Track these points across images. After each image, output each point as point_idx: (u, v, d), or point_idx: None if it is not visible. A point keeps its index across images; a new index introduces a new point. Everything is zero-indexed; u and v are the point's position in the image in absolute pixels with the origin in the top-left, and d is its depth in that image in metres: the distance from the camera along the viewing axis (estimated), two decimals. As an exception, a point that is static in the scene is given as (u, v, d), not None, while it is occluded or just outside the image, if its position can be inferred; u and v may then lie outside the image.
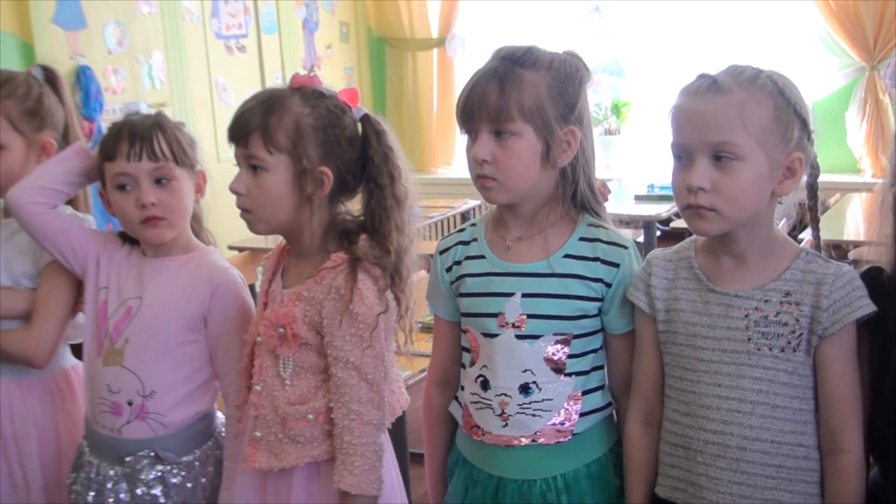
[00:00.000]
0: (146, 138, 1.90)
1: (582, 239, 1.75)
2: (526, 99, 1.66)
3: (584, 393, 1.76)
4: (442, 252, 1.85)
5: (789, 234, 1.73)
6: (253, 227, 1.81)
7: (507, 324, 1.73)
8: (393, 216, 1.78)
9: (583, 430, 1.76)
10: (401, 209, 1.80)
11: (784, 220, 1.67)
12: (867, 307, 1.55)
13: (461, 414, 1.83)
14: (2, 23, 4.84)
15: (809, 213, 1.76)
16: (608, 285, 1.73)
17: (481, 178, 1.70)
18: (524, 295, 1.73)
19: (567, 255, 1.74)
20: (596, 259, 1.73)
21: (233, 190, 1.78)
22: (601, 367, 1.80)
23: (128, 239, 2.03)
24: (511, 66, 1.68)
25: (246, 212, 1.78)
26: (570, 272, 1.73)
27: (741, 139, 1.52)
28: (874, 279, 1.60)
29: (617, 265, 1.73)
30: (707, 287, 1.64)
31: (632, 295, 1.73)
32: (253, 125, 1.73)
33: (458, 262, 1.82)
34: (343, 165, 1.78)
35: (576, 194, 1.76)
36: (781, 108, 1.54)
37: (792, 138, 1.56)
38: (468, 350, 1.82)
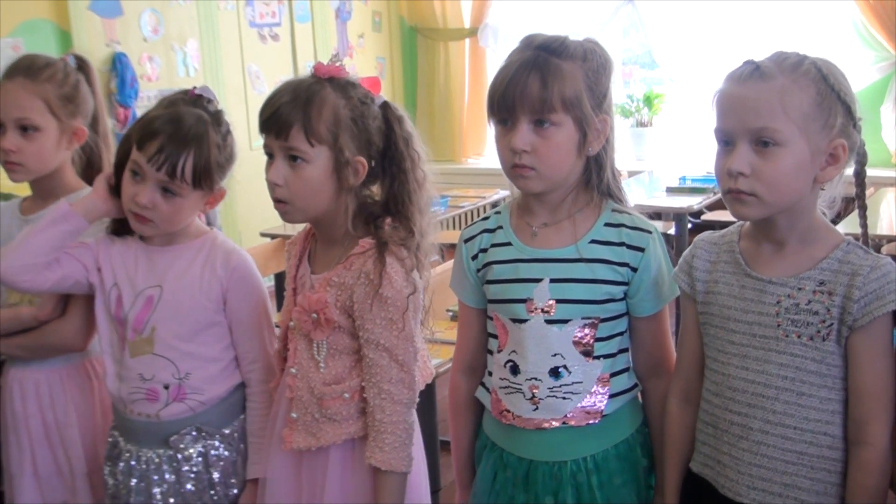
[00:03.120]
0: (174, 155, 1.87)
1: (607, 224, 1.77)
2: (568, 90, 1.67)
3: (612, 375, 1.78)
4: (467, 240, 1.87)
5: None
6: (289, 218, 1.83)
7: (536, 309, 1.75)
8: (416, 199, 1.83)
9: (612, 411, 1.78)
10: (422, 192, 1.84)
11: (827, 211, 1.66)
12: None
13: (490, 399, 1.85)
14: (39, 9, 4.91)
15: (857, 202, 1.74)
16: (634, 269, 1.75)
17: (518, 168, 1.71)
18: (552, 280, 1.74)
19: (593, 241, 1.76)
20: (622, 244, 1.75)
21: (271, 181, 1.78)
22: (626, 350, 1.83)
23: (118, 230, 2.04)
24: (548, 56, 1.69)
25: (282, 203, 1.79)
26: (597, 257, 1.74)
27: (782, 125, 1.52)
28: None
29: (642, 249, 1.75)
30: (744, 272, 1.65)
31: (676, 276, 1.76)
32: (294, 118, 1.74)
33: (483, 250, 1.84)
34: (375, 153, 1.82)
35: (601, 181, 1.78)
36: (824, 94, 1.54)
37: (835, 125, 1.55)
38: (494, 336, 1.83)
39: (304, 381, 1.85)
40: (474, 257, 1.85)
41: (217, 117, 1.97)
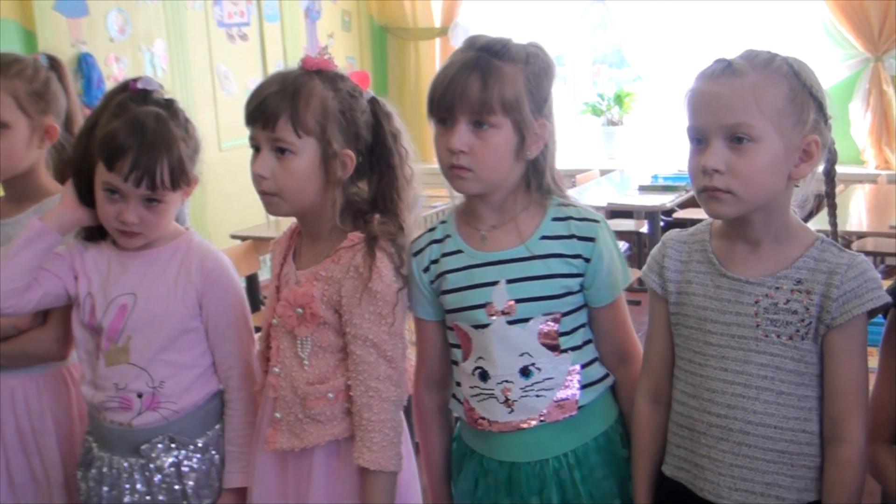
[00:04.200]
0: (150, 167, 1.81)
1: (555, 219, 1.77)
2: (507, 93, 1.67)
3: (583, 367, 1.78)
4: (416, 254, 1.84)
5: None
6: (274, 210, 1.80)
7: (496, 312, 1.74)
8: (404, 195, 1.82)
9: (587, 402, 1.78)
10: (410, 189, 1.84)
11: (798, 210, 1.66)
12: (878, 299, 1.54)
13: (462, 410, 1.84)
14: (3, 9, 4.84)
15: (827, 200, 1.75)
16: (587, 260, 1.75)
17: (456, 169, 1.71)
18: (509, 281, 1.74)
19: (544, 237, 1.76)
20: (571, 236, 1.75)
21: (257, 173, 1.76)
22: (591, 341, 1.83)
23: (90, 236, 1.99)
24: (490, 58, 1.68)
25: (269, 195, 1.77)
26: (550, 252, 1.74)
27: (756, 120, 1.52)
28: None
29: (593, 239, 1.75)
30: (719, 272, 1.65)
31: (645, 276, 1.76)
32: (281, 109, 1.72)
33: (434, 261, 1.82)
34: (363, 147, 1.81)
35: (540, 185, 1.78)
36: (797, 90, 1.54)
37: (808, 121, 1.55)
38: (457, 346, 1.82)
39: (287, 381, 1.82)
40: (426, 269, 1.83)
41: (171, 109, 1.91)
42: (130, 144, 1.82)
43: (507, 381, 1.75)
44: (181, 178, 1.87)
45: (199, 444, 1.96)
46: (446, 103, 1.69)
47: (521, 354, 1.74)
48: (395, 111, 1.86)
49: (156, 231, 1.91)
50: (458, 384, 1.84)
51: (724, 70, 1.55)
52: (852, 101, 6.13)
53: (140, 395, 1.92)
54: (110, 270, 1.95)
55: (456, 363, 1.84)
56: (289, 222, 1.97)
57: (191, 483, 1.95)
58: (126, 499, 1.94)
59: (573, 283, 1.75)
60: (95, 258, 1.97)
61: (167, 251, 1.96)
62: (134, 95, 1.90)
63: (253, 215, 4.60)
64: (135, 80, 1.92)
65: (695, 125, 1.59)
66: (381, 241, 1.77)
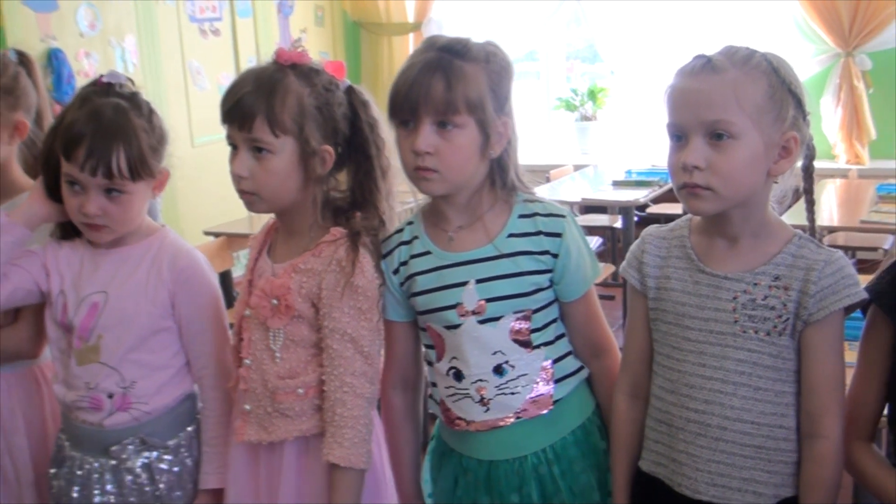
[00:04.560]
0: (105, 154, 1.79)
1: (521, 216, 1.77)
2: (471, 92, 1.67)
3: (555, 361, 1.79)
4: (385, 255, 1.84)
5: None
6: (254, 208, 1.80)
7: (467, 312, 1.74)
8: (381, 186, 1.81)
9: (562, 396, 1.79)
10: (386, 180, 1.82)
11: (777, 206, 1.67)
12: (855, 295, 1.55)
13: (439, 411, 1.84)
14: (-29, 4, 4.77)
15: (805, 196, 1.75)
16: (555, 256, 1.75)
17: (421, 170, 1.70)
18: (478, 281, 1.74)
19: (511, 235, 1.76)
20: (538, 233, 1.75)
21: (236, 173, 1.75)
22: (564, 335, 1.83)
23: (65, 233, 1.97)
24: (451, 58, 1.68)
25: (248, 194, 1.76)
26: (518, 250, 1.75)
27: (736, 117, 1.52)
28: None
29: (559, 234, 1.75)
30: (697, 267, 1.65)
31: (624, 271, 1.76)
32: (257, 109, 1.70)
33: (404, 263, 1.82)
34: (341, 141, 1.79)
35: (505, 183, 1.78)
36: (776, 86, 1.55)
37: (787, 117, 1.56)
38: (431, 347, 1.82)
39: (258, 373, 1.81)
40: (395, 271, 1.82)
41: (134, 100, 1.89)
42: (85, 133, 1.80)
43: (481, 381, 1.75)
44: (141, 168, 1.84)
45: (171, 446, 1.94)
46: (410, 104, 1.68)
47: (494, 353, 1.75)
48: (372, 100, 1.84)
49: (122, 224, 1.88)
50: (434, 385, 1.84)
51: (704, 66, 1.55)
52: (823, 95, 6.17)
53: (111, 396, 1.90)
54: (83, 268, 1.93)
55: (431, 364, 1.84)
56: (265, 218, 1.95)
57: (162, 485, 1.93)
58: (96, 499, 1.92)
59: (543, 280, 1.75)
60: (69, 256, 1.95)
61: (139, 249, 1.93)
62: (99, 89, 1.89)
63: (226, 211, 4.58)
64: (102, 76, 1.90)
65: (674, 122, 1.59)
66: (363, 236, 1.77)
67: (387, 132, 1.82)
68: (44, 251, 1.96)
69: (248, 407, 1.83)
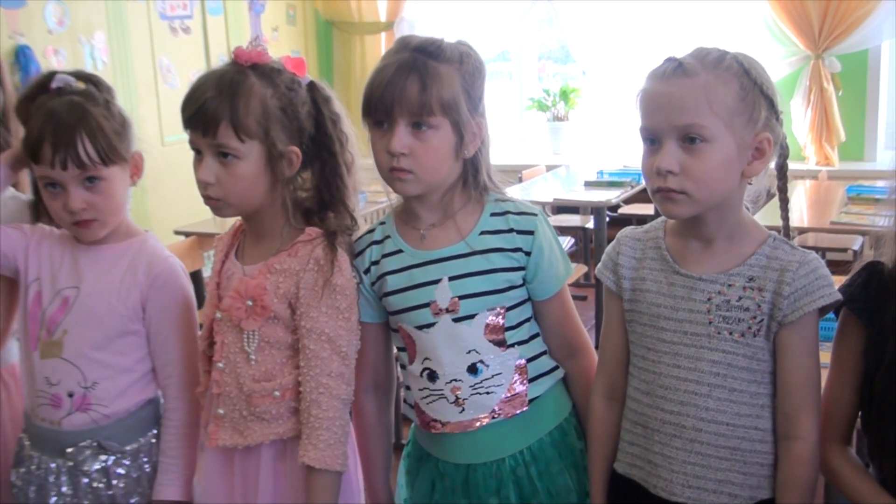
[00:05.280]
0: (70, 144, 1.79)
1: (493, 214, 1.78)
2: (446, 93, 1.67)
3: (529, 360, 1.79)
4: (356, 255, 1.83)
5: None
6: (221, 213, 1.77)
7: (441, 310, 1.73)
8: (348, 182, 1.81)
9: (537, 395, 1.79)
10: (351, 175, 1.81)
11: (750, 206, 1.67)
12: (829, 297, 1.55)
13: (414, 414, 1.83)
14: (-64, 0, 4.71)
15: (779, 195, 1.76)
16: (527, 253, 1.76)
17: (396, 171, 1.70)
18: (451, 278, 1.74)
19: (483, 232, 1.76)
20: (510, 230, 1.76)
21: (202, 180, 1.72)
22: (538, 335, 1.83)
23: (38, 216, 1.97)
24: (425, 59, 1.68)
25: (215, 200, 1.74)
26: (491, 247, 1.75)
27: (708, 121, 1.52)
28: (874, 273, 1.60)
29: (531, 232, 1.76)
30: (672, 269, 1.65)
31: (600, 273, 1.76)
32: (221, 114, 1.68)
33: (375, 262, 1.81)
34: (306, 139, 1.78)
35: (478, 182, 1.78)
36: (748, 88, 1.54)
37: (759, 119, 1.56)
38: (403, 349, 1.81)
39: (232, 377, 1.79)
40: (366, 271, 1.81)
41: (87, 94, 1.88)
42: (46, 132, 1.80)
43: (455, 380, 1.75)
44: (110, 151, 1.83)
45: (128, 451, 1.92)
46: (385, 105, 1.67)
47: (469, 352, 1.74)
48: (334, 94, 1.83)
49: (109, 213, 1.87)
50: (408, 388, 1.83)
51: (675, 70, 1.55)
52: (793, 97, 6.21)
53: (71, 395, 1.88)
54: (63, 261, 1.92)
55: (404, 367, 1.82)
56: (234, 219, 1.93)
57: (119, 490, 1.91)
58: (52, 500, 1.91)
59: (515, 277, 1.75)
60: (52, 246, 1.94)
61: (118, 249, 1.92)
62: (51, 94, 1.87)
63: (197, 211, 4.52)
64: (52, 82, 1.88)
65: (647, 126, 1.59)
66: (340, 235, 1.76)
67: (349, 127, 1.82)
68: (31, 232, 1.95)
69: (221, 411, 1.80)
